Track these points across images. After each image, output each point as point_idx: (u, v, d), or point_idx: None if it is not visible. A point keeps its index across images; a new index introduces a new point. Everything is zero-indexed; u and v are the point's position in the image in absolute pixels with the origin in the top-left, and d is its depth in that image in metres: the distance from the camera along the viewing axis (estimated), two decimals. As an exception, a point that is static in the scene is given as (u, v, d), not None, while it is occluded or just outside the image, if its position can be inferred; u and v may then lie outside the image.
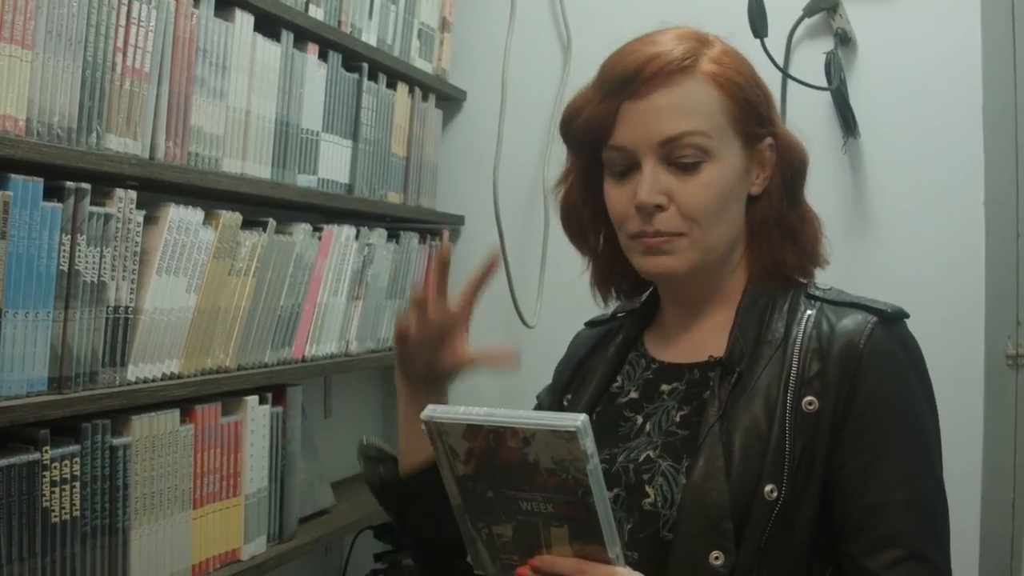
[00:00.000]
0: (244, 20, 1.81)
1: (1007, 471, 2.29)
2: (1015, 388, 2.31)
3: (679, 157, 1.21)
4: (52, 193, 1.39)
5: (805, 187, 1.33)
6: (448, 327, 1.29)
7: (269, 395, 1.90)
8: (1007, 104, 2.30)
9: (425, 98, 2.53)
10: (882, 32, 2.28)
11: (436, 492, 1.27)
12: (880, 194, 2.28)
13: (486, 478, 1.04)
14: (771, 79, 1.33)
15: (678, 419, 1.24)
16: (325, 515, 2.18)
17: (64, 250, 1.41)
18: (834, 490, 1.16)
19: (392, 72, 2.36)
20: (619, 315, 1.45)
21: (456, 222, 2.68)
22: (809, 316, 1.23)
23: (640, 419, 1.28)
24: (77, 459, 1.44)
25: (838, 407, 1.16)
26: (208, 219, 1.69)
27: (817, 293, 1.27)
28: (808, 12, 2.31)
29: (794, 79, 2.27)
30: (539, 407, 1.47)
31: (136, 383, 1.58)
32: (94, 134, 1.48)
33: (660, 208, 1.21)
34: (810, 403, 1.17)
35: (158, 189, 1.67)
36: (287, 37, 1.94)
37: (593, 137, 1.25)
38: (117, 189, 1.50)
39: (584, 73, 1.31)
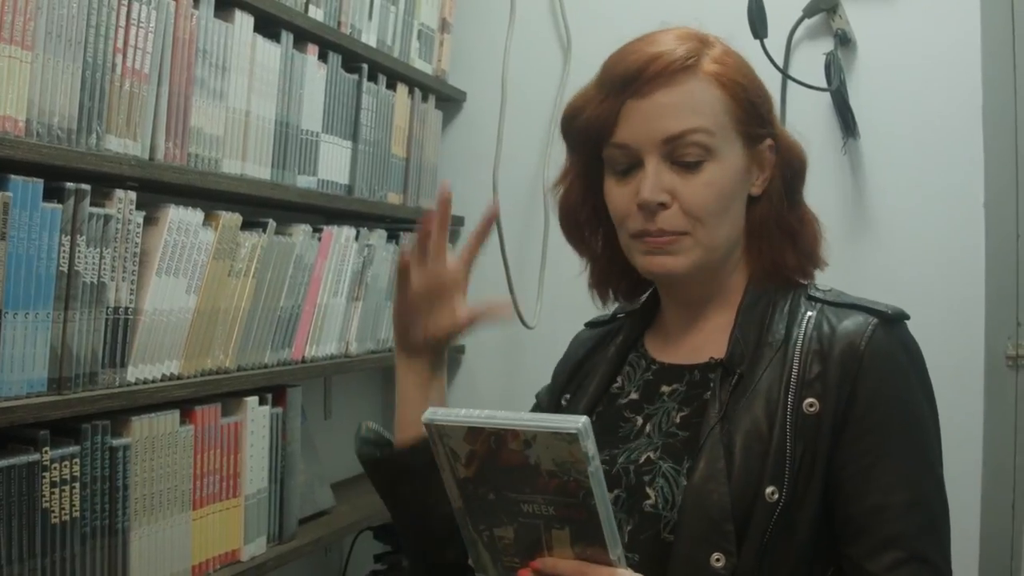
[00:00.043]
0: (244, 21, 1.81)
1: (1007, 472, 2.29)
2: (1015, 389, 2.31)
3: (682, 155, 1.21)
4: (52, 194, 1.39)
5: (804, 188, 1.33)
6: (446, 285, 1.31)
7: (269, 396, 1.90)
8: (1007, 105, 2.30)
9: (425, 99, 2.53)
10: (882, 33, 2.28)
11: (428, 468, 1.28)
12: (880, 195, 2.28)
13: (487, 480, 1.04)
14: (771, 80, 1.33)
15: (678, 420, 1.24)
16: (325, 516, 2.18)
17: (64, 251, 1.41)
18: (835, 492, 1.16)
19: (392, 73, 2.36)
20: (619, 316, 1.45)
21: (456, 223, 2.67)
22: (810, 317, 1.23)
23: (640, 420, 1.28)
24: (77, 460, 1.44)
25: (839, 409, 1.16)
26: (208, 220, 1.69)
27: (817, 294, 1.27)
28: (808, 13, 2.31)
29: (794, 80, 2.28)
30: (538, 406, 1.47)
31: (136, 384, 1.58)
32: (94, 135, 1.48)
33: (663, 206, 1.21)
34: (811, 405, 1.17)
35: (158, 190, 1.67)
36: (287, 38, 1.94)
37: (595, 135, 1.25)
38: (117, 190, 1.50)
39: (584, 74, 1.31)
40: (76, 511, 1.44)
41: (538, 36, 2.62)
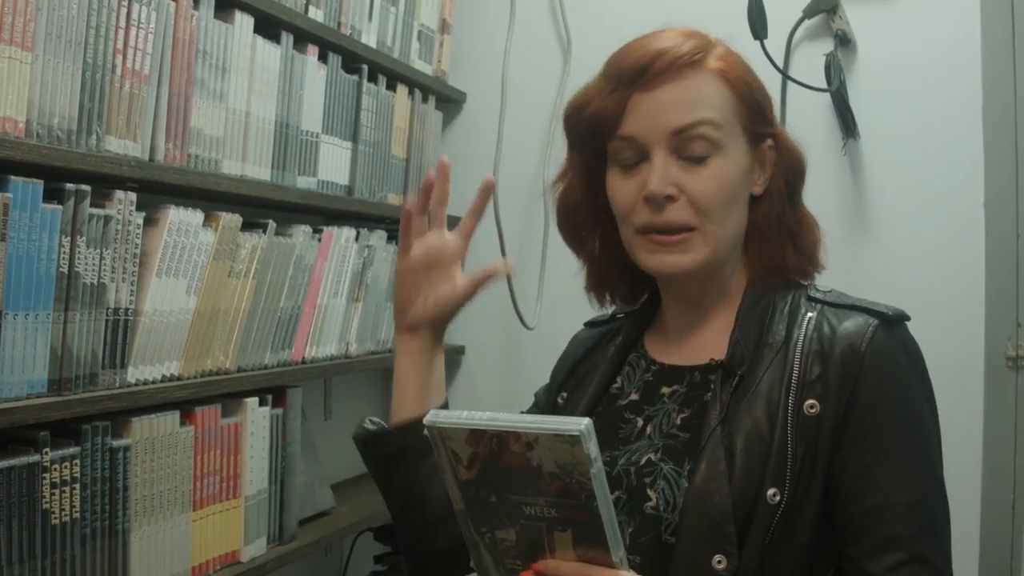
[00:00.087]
0: (244, 22, 1.81)
1: (1007, 472, 2.29)
2: (1015, 389, 2.31)
3: (689, 148, 1.21)
4: (52, 195, 1.39)
5: (805, 189, 1.34)
6: (445, 257, 1.37)
7: (269, 397, 1.90)
8: (1007, 105, 2.31)
9: (425, 100, 2.53)
10: (882, 33, 2.28)
11: (419, 451, 1.30)
12: (880, 195, 2.28)
13: (489, 483, 1.04)
14: (771, 81, 1.34)
15: (679, 422, 1.24)
16: (325, 517, 2.18)
17: (64, 252, 1.41)
18: (835, 492, 1.16)
19: (392, 74, 2.36)
20: (619, 316, 1.45)
21: (456, 224, 2.67)
22: (810, 318, 1.23)
23: (640, 421, 1.28)
24: (77, 461, 1.44)
25: (840, 410, 1.16)
26: (208, 221, 1.69)
27: (817, 295, 1.27)
28: (808, 14, 2.31)
29: (794, 80, 2.28)
30: (536, 405, 1.47)
31: (136, 385, 1.58)
32: (94, 136, 1.48)
33: (670, 199, 1.21)
34: (812, 406, 1.16)
35: (158, 191, 1.67)
36: (287, 39, 1.94)
37: (601, 128, 1.24)
38: (117, 191, 1.50)
39: (584, 74, 1.32)
40: (76, 512, 1.44)
41: (538, 37, 2.62)
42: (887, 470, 1.15)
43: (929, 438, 1.19)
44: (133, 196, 1.53)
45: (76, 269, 1.44)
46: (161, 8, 1.58)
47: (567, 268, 1.43)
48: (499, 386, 2.65)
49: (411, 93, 2.45)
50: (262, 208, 1.99)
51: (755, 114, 1.26)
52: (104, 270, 1.49)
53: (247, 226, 1.80)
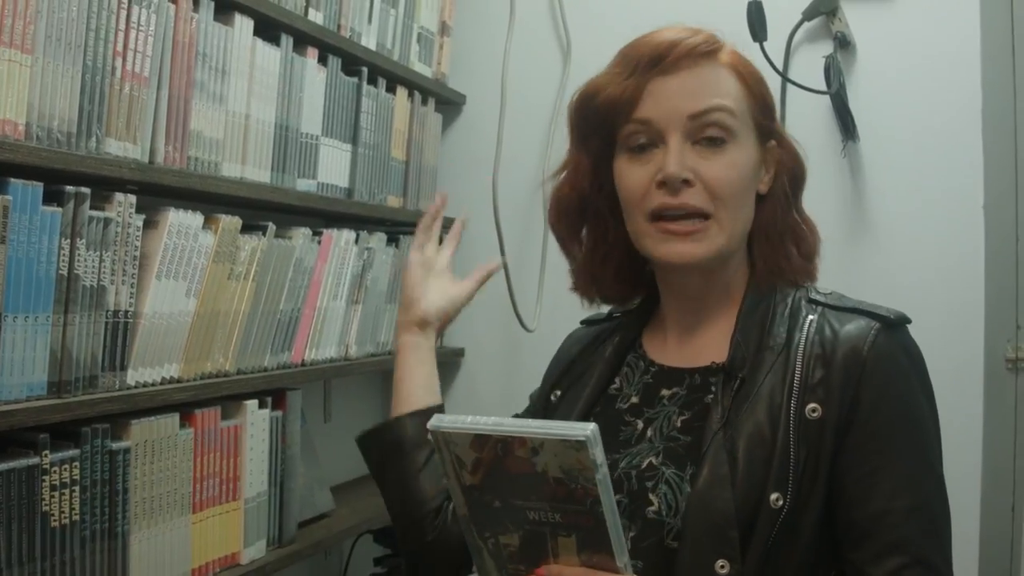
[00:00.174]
0: (243, 24, 1.81)
1: (1007, 474, 2.29)
2: (1015, 392, 2.31)
3: (705, 134, 1.21)
4: (52, 197, 1.39)
5: (804, 192, 1.34)
6: (439, 262, 1.53)
7: (269, 399, 1.90)
8: (1006, 108, 2.31)
9: (424, 102, 2.53)
10: (881, 36, 2.28)
11: (413, 445, 1.32)
12: (880, 198, 2.28)
13: (493, 488, 1.04)
14: (770, 83, 1.34)
15: (679, 425, 1.24)
16: (325, 519, 2.18)
17: (64, 254, 1.41)
18: (837, 496, 1.16)
19: (392, 76, 2.36)
20: (615, 315, 1.45)
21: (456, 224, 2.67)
22: (811, 321, 1.23)
23: (641, 424, 1.28)
24: (77, 463, 1.44)
25: (842, 413, 1.16)
26: (208, 223, 1.69)
27: (818, 297, 1.27)
28: (807, 16, 2.31)
29: (793, 83, 2.28)
30: (531, 407, 1.47)
31: (136, 387, 1.58)
32: (94, 138, 1.48)
33: (687, 183, 1.20)
34: (814, 410, 1.16)
35: (158, 193, 1.67)
36: (286, 41, 1.94)
37: (615, 112, 1.24)
38: (117, 193, 1.50)
39: (584, 77, 1.32)
40: (76, 514, 1.44)
41: (538, 39, 2.62)
42: (889, 474, 1.15)
43: (930, 440, 1.19)
44: (133, 198, 1.53)
45: (76, 271, 1.44)
46: (161, 10, 1.58)
47: (566, 271, 1.43)
48: (498, 388, 2.65)
49: (411, 95, 2.45)
50: (262, 210, 1.99)
51: (765, 110, 1.27)
52: (104, 272, 1.48)
53: (247, 228, 1.80)
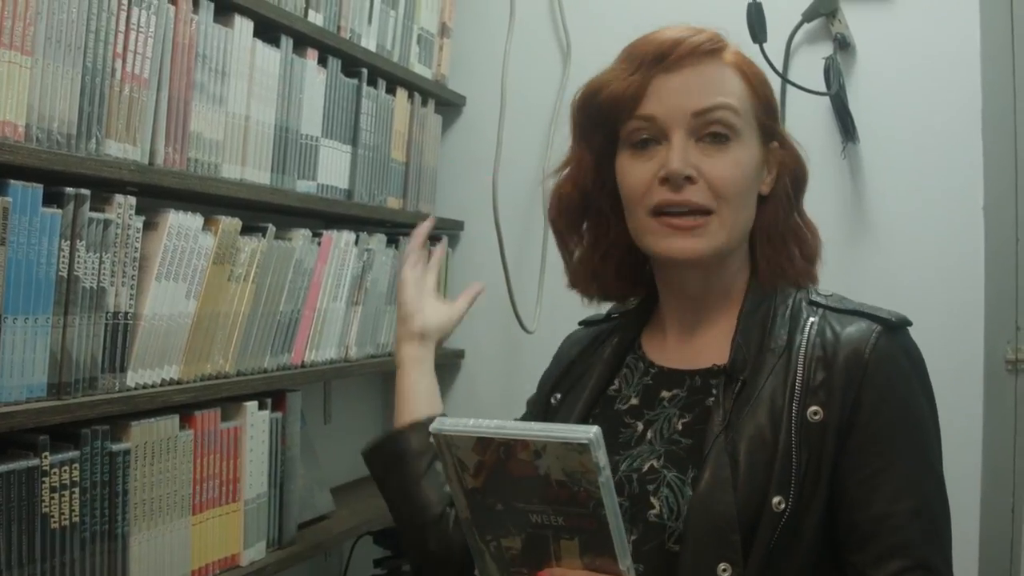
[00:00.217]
0: (243, 26, 1.81)
1: (1006, 475, 2.29)
2: (1014, 393, 2.31)
3: (709, 131, 1.21)
4: (51, 199, 1.39)
5: (804, 197, 1.34)
6: (425, 286, 1.56)
7: (268, 401, 1.89)
8: (1006, 109, 2.31)
9: (424, 103, 2.53)
10: (881, 37, 2.28)
11: (416, 455, 1.33)
12: (879, 199, 2.28)
13: (496, 491, 1.04)
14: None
15: (680, 427, 1.24)
16: (325, 521, 2.18)
17: (63, 256, 1.41)
18: (839, 498, 1.16)
19: (391, 77, 2.36)
20: (613, 316, 1.45)
21: (455, 227, 2.68)
22: (812, 323, 1.23)
23: (641, 426, 1.27)
24: (76, 465, 1.44)
25: (844, 416, 1.16)
26: (207, 225, 1.69)
27: (819, 299, 1.27)
28: (807, 17, 2.31)
29: (793, 84, 2.28)
30: (528, 413, 1.47)
31: (135, 389, 1.58)
32: (93, 140, 1.48)
33: (689, 180, 1.20)
34: (815, 412, 1.16)
35: (157, 195, 1.67)
36: (286, 43, 1.94)
37: (619, 108, 1.24)
38: (116, 195, 1.50)
39: (584, 78, 1.32)
40: (76, 516, 1.44)
41: (538, 41, 2.62)
42: (891, 477, 1.15)
43: (931, 442, 1.19)
44: (133, 200, 1.53)
45: (76, 273, 1.44)
46: (161, 12, 1.58)
47: (565, 274, 1.43)
48: (498, 389, 2.65)
49: (411, 97, 2.45)
50: (262, 212, 1.99)
51: (768, 111, 1.27)
52: (104, 274, 1.48)
53: (247, 230, 1.80)
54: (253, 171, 1.86)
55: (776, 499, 1.13)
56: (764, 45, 2.20)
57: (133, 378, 1.57)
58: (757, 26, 2.22)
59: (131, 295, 1.55)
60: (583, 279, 1.39)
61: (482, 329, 2.64)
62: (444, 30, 2.62)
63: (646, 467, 1.22)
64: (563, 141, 1.38)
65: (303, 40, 2.00)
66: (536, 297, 2.56)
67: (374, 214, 2.30)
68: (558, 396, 1.40)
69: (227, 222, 1.73)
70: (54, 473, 1.40)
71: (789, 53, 2.33)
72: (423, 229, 1.61)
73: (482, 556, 1.09)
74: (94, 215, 1.46)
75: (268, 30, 1.89)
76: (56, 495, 1.40)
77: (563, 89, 2.53)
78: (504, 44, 2.62)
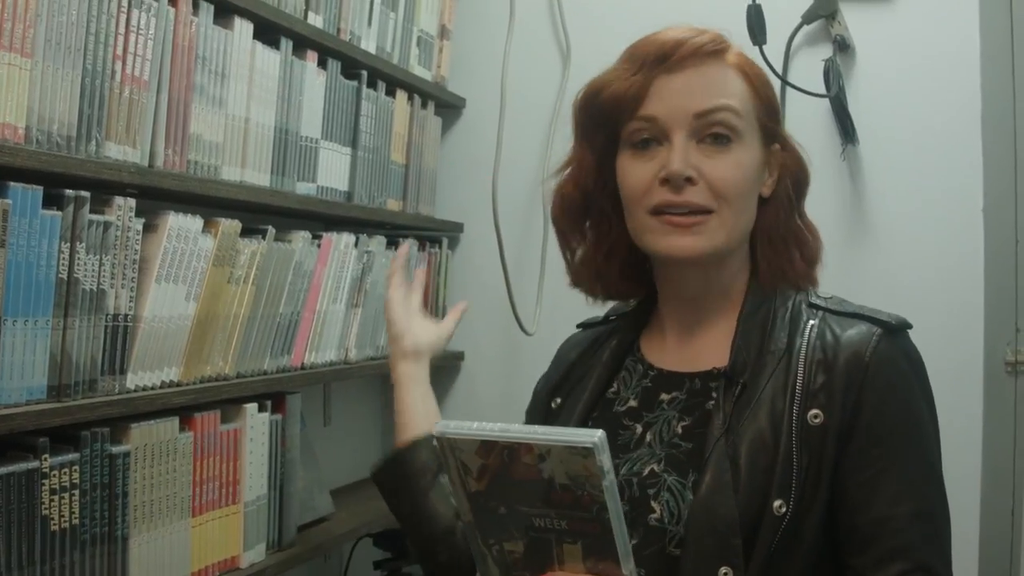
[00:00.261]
0: (243, 28, 1.81)
1: (1006, 477, 2.29)
2: (1014, 394, 2.31)
3: (711, 132, 1.21)
4: (51, 201, 1.39)
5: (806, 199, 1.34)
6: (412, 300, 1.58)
7: (268, 403, 1.89)
8: (1006, 111, 2.31)
9: (424, 105, 2.53)
10: (881, 39, 2.28)
11: (421, 470, 1.33)
12: (879, 201, 2.28)
13: (498, 495, 1.03)
14: (770, 86, 1.36)
15: (680, 430, 1.24)
16: (324, 522, 2.18)
17: (63, 258, 1.41)
18: (839, 500, 1.15)
19: (391, 79, 2.36)
20: (612, 318, 1.45)
21: (455, 229, 2.68)
22: (812, 326, 1.23)
23: (640, 428, 1.27)
24: (76, 467, 1.44)
25: (844, 418, 1.16)
26: (207, 227, 1.69)
27: (818, 302, 1.27)
28: (807, 19, 2.31)
29: (793, 86, 2.28)
30: (534, 404, 1.47)
31: (135, 391, 1.58)
32: (93, 142, 1.48)
33: (690, 181, 1.20)
34: (816, 416, 1.16)
35: (157, 197, 1.67)
36: (286, 45, 1.94)
37: (620, 109, 1.24)
38: (116, 197, 1.50)
39: (584, 80, 1.32)
40: (75, 518, 1.44)
41: (537, 42, 2.62)
42: (892, 479, 1.15)
43: (931, 445, 1.19)
44: (132, 202, 1.53)
45: (75, 275, 1.44)
46: (160, 14, 1.58)
47: (566, 274, 1.43)
48: (498, 391, 2.65)
49: (410, 99, 2.45)
50: (261, 214, 1.99)
51: (770, 113, 1.27)
52: (103, 276, 1.48)
53: (246, 232, 1.80)
54: (253, 173, 1.86)
55: (777, 502, 1.13)
56: (764, 47, 2.20)
57: (133, 380, 1.57)
58: (757, 28, 2.22)
59: (131, 297, 1.55)
60: (587, 279, 1.39)
61: (482, 331, 2.64)
62: (444, 32, 2.62)
63: (646, 471, 1.22)
64: (563, 143, 1.38)
65: (303, 42, 2.00)
66: (536, 299, 2.56)
67: (374, 216, 2.30)
68: (558, 400, 1.40)
69: (227, 224, 1.73)
70: (54, 475, 1.40)
71: (789, 55, 2.33)
72: (403, 252, 1.63)
73: (484, 560, 1.08)
74: (94, 217, 1.46)
75: (268, 32, 1.89)
76: (56, 497, 1.40)
77: (563, 91, 2.53)
78: (504, 46, 2.62)
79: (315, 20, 2.04)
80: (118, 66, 1.51)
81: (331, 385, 2.44)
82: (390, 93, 2.36)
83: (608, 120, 1.26)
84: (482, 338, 2.65)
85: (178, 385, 1.67)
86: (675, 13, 1.35)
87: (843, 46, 2.28)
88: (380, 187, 2.33)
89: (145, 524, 1.58)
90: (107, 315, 1.50)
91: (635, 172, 1.24)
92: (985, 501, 2.16)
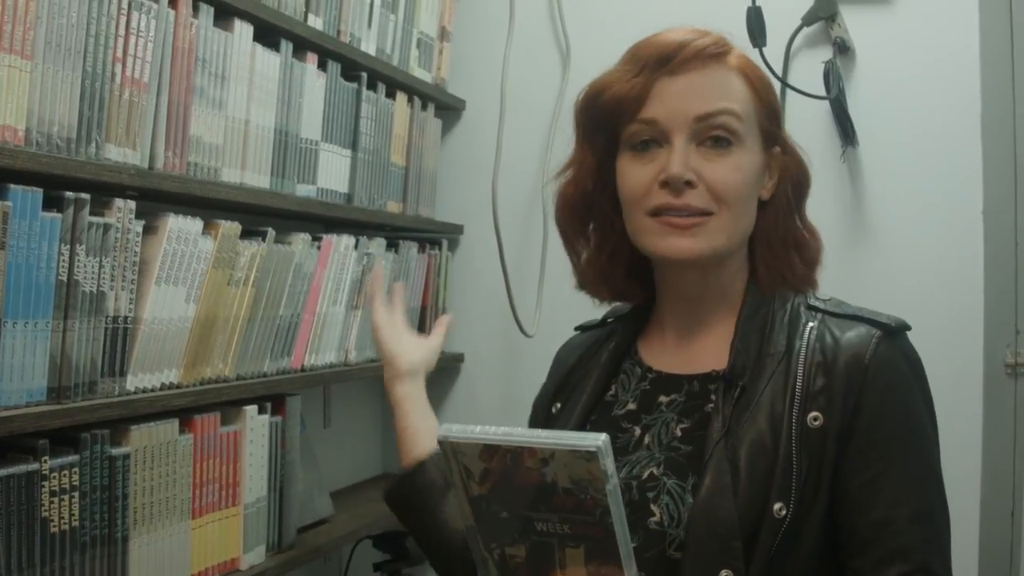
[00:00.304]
0: (243, 30, 1.81)
1: (1006, 479, 2.29)
2: (1014, 397, 2.31)
3: (711, 136, 1.21)
4: (51, 203, 1.39)
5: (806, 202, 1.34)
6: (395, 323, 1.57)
7: (268, 405, 1.89)
8: (1006, 113, 2.31)
9: (424, 107, 2.53)
10: (881, 41, 2.28)
11: (430, 488, 1.33)
12: (879, 203, 2.28)
13: (501, 498, 1.03)
14: (770, 88, 1.36)
15: (679, 433, 1.23)
16: (324, 524, 2.18)
17: (63, 260, 1.41)
18: (839, 502, 1.15)
19: (391, 81, 2.36)
20: (609, 320, 1.45)
21: (455, 231, 2.68)
22: (811, 328, 1.23)
23: (638, 431, 1.27)
24: (76, 469, 1.44)
25: (844, 420, 1.16)
26: (207, 229, 1.69)
27: (817, 304, 1.27)
28: (807, 21, 2.31)
29: (793, 88, 2.28)
30: (535, 415, 1.47)
31: (135, 393, 1.58)
32: (93, 144, 1.48)
33: (689, 185, 1.20)
34: (815, 418, 1.16)
35: (157, 199, 1.67)
36: (286, 47, 1.94)
37: (621, 111, 1.24)
38: (116, 199, 1.50)
39: (583, 82, 1.32)
40: (75, 520, 1.44)
41: (537, 44, 2.62)
42: (892, 481, 1.15)
43: (931, 447, 1.19)
44: (132, 204, 1.53)
45: (75, 277, 1.44)
46: (160, 16, 1.58)
47: (566, 276, 1.43)
48: (498, 393, 2.65)
49: (410, 101, 2.45)
50: (261, 216, 1.99)
51: (771, 116, 1.27)
52: (103, 278, 1.48)
53: (246, 234, 1.80)
54: (253, 175, 1.86)
55: (777, 505, 1.13)
56: (764, 49, 2.20)
57: (133, 382, 1.57)
58: (757, 30, 2.22)
59: (131, 299, 1.55)
60: (592, 281, 1.38)
61: (482, 333, 2.64)
62: (444, 34, 2.62)
63: (646, 474, 1.21)
64: (563, 145, 1.38)
65: (303, 44, 2.00)
66: (536, 301, 2.56)
67: (374, 218, 2.30)
68: (558, 405, 1.40)
69: (227, 226, 1.73)
70: (54, 477, 1.40)
71: (789, 57, 2.33)
72: (378, 272, 1.64)
73: (485, 564, 1.08)
74: (94, 219, 1.46)
75: (268, 34, 1.89)
76: (56, 499, 1.40)
77: (563, 93, 2.53)
78: (504, 48, 2.62)
79: (315, 22, 2.04)
80: (118, 68, 1.51)
81: (331, 387, 2.44)
82: (390, 95, 2.36)
83: (609, 122, 1.26)
84: (482, 340, 2.65)
85: (178, 387, 1.67)
86: (675, 15, 1.35)
87: (843, 48, 2.28)
88: (380, 189, 2.33)
89: (145, 526, 1.58)
90: (107, 317, 1.50)
91: (634, 174, 1.24)
92: (985, 503, 2.16)
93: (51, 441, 1.40)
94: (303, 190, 2.04)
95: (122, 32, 1.51)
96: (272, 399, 1.92)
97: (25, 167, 1.34)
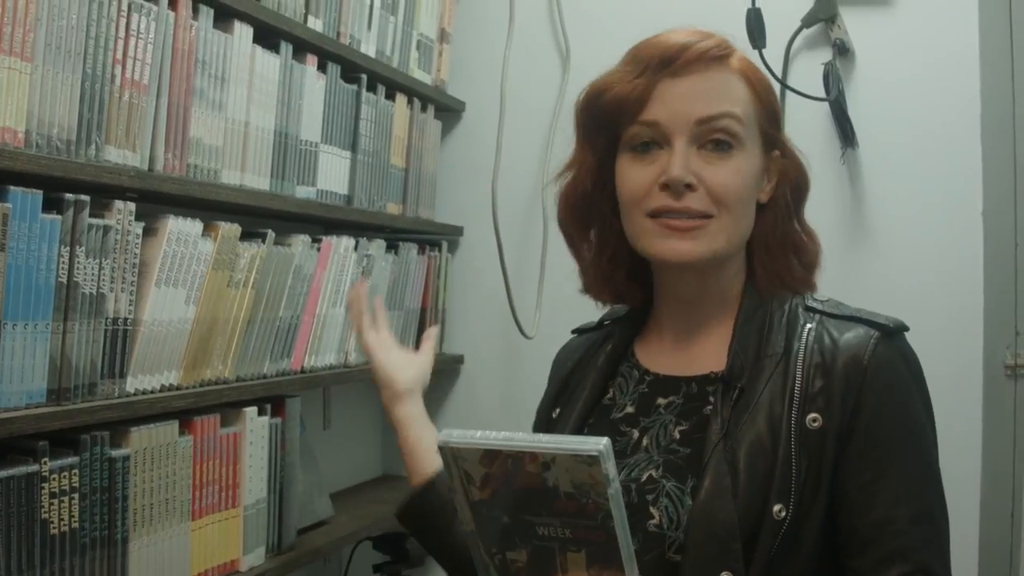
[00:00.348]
0: (243, 32, 1.81)
1: (1006, 480, 2.29)
2: (1013, 398, 2.31)
3: (712, 139, 1.21)
4: (51, 205, 1.39)
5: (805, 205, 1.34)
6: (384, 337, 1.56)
7: (268, 406, 1.89)
8: (1005, 114, 2.31)
9: (424, 109, 2.53)
10: (880, 42, 2.28)
11: (439, 506, 1.33)
12: (879, 204, 2.28)
13: (502, 503, 1.03)
14: (769, 90, 1.36)
15: (677, 435, 1.23)
16: (324, 526, 2.18)
17: (63, 262, 1.41)
18: (839, 503, 1.15)
19: (391, 83, 2.36)
20: (606, 323, 1.45)
21: (455, 233, 2.68)
22: (809, 329, 1.23)
23: (637, 433, 1.27)
24: (76, 471, 1.44)
25: (843, 421, 1.16)
26: (207, 230, 1.70)
27: (815, 305, 1.27)
28: (806, 23, 2.31)
29: (792, 90, 2.28)
30: (539, 420, 1.47)
31: (135, 395, 1.58)
32: (93, 146, 1.48)
33: (689, 187, 1.20)
34: (814, 420, 1.16)
35: (157, 201, 1.67)
36: (286, 48, 1.94)
37: (622, 112, 1.23)
38: (116, 201, 1.51)
39: (583, 84, 1.31)
40: (75, 522, 1.44)
41: (537, 46, 2.62)
42: (891, 482, 1.15)
43: (930, 447, 1.19)
44: (132, 206, 1.53)
45: (75, 279, 1.44)
46: (160, 18, 1.58)
47: (566, 278, 1.43)
48: (498, 394, 2.65)
49: (410, 102, 2.45)
50: (261, 218, 1.99)
51: (771, 119, 1.27)
52: (103, 280, 1.49)
53: (246, 236, 1.80)
54: (253, 177, 1.86)
55: (777, 507, 1.13)
56: (763, 51, 2.20)
57: (133, 384, 1.57)
58: (756, 31, 2.22)
59: (131, 301, 1.55)
60: (594, 283, 1.38)
61: (482, 334, 2.64)
62: (443, 36, 2.62)
63: (644, 477, 1.21)
64: (563, 146, 1.38)
65: (303, 46, 2.00)
66: (536, 302, 2.56)
67: (373, 220, 2.30)
68: (558, 411, 1.39)
69: (226, 228, 1.73)
70: (53, 479, 1.40)
71: (788, 58, 2.34)
72: (362, 292, 1.59)
73: (487, 569, 1.08)
74: (94, 221, 1.46)
75: (268, 36, 1.89)
76: (55, 501, 1.40)
77: (562, 94, 2.54)
78: (503, 50, 2.63)
79: (315, 24, 2.04)
80: (118, 70, 1.51)
81: (331, 389, 2.44)
82: (390, 97, 2.36)
83: (609, 123, 1.25)
84: (482, 342, 2.65)
85: (178, 389, 1.67)
86: (675, 17, 1.35)
87: (843, 50, 2.28)
88: (380, 191, 2.33)
89: (145, 528, 1.58)
90: (107, 319, 1.50)
91: (634, 175, 1.24)
92: (985, 504, 2.16)
93: (51, 443, 1.40)
94: (303, 192, 2.04)
95: (122, 34, 1.51)
96: (272, 401, 1.92)
97: (25, 169, 1.34)
